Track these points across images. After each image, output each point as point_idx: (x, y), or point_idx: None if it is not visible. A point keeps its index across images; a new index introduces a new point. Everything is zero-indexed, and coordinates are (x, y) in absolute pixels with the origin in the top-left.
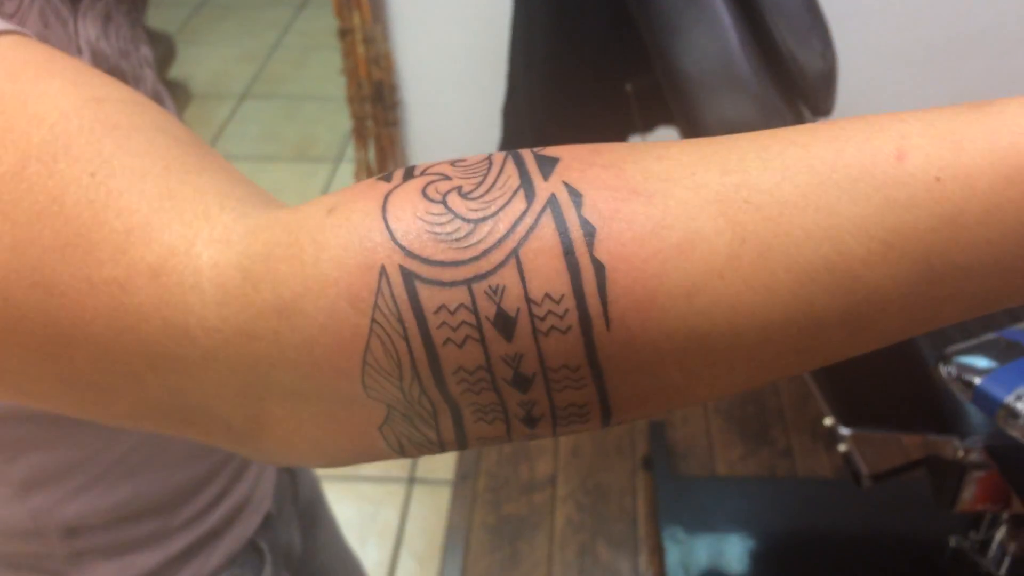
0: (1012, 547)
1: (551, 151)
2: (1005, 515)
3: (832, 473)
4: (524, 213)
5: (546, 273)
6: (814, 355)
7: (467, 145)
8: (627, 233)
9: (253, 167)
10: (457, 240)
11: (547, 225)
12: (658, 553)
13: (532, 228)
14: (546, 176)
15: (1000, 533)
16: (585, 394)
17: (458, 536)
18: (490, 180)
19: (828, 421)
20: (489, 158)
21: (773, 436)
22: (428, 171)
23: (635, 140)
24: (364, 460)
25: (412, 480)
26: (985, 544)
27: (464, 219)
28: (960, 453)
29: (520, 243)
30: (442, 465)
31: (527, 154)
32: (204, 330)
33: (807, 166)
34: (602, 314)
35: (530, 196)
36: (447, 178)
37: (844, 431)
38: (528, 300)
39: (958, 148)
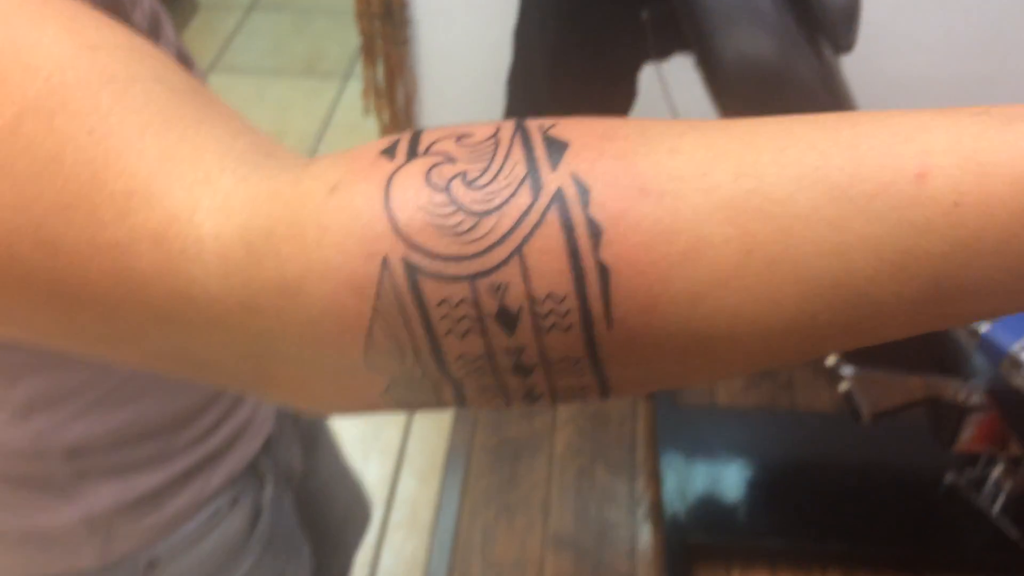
0: (1007, 485)
1: (561, 129)
2: (1002, 456)
3: (832, 408)
4: (529, 208)
5: (550, 273)
6: (813, 354)
7: (477, 67)
8: (634, 236)
9: (259, 81)
10: (460, 234)
11: (552, 223)
12: (655, 479)
13: (537, 225)
14: (554, 165)
15: (996, 472)
16: (584, 380)
17: (459, 456)
18: (496, 166)
19: (831, 360)
20: (496, 135)
21: (775, 369)
22: (433, 148)
23: (650, 67)
24: (370, 413)
25: None
26: (980, 482)
27: (468, 211)
28: (962, 396)
29: (524, 240)
30: None
31: (535, 133)
32: (208, 300)
33: (823, 176)
34: (604, 315)
35: (536, 188)
36: (452, 160)
37: (847, 370)
38: (531, 298)
39: (982, 173)
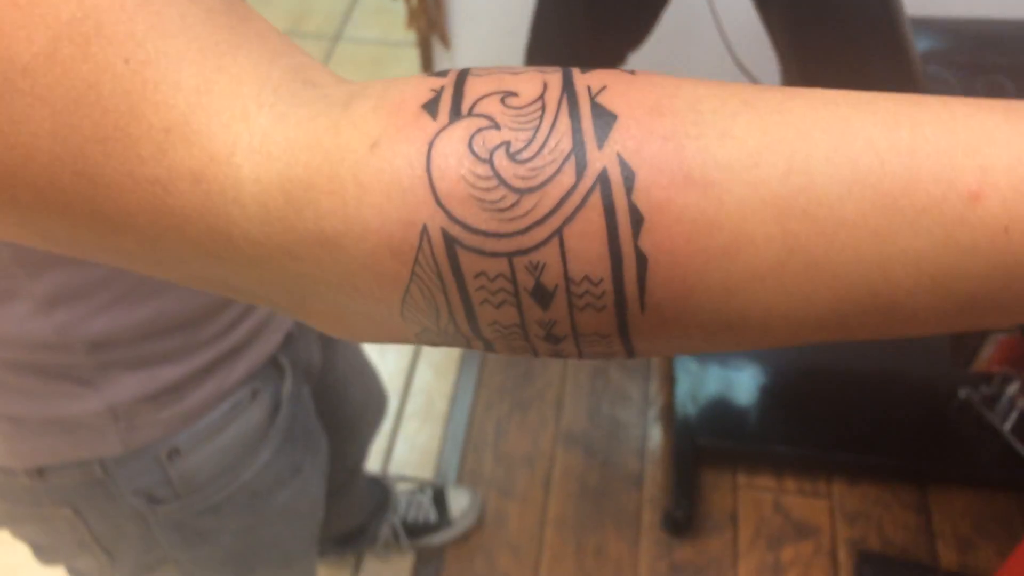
0: (1021, 403)
1: (610, 96)
2: (1018, 377)
3: None
4: (573, 189)
5: (588, 256)
6: (839, 340)
7: None
8: (675, 227)
9: None
10: (502, 211)
11: (595, 207)
12: (669, 381)
13: (579, 208)
14: (600, 142)
15: (1011, 390)
16: (613, 349)
17: (475, 351)
18: (541, 137)
19: None
20: (543, 96)
21: None
22: (477, 107)
23: None
24: (402, 344)
25: None
26: (993, 399)
27: (510, 187)
28: None
29: (565, 223)
30: None
31: (583, 99)
32: (247, 241)
33: (876, 183)
34: (638, 299)
35: (581, 167)
36: (496, 127)
37: None
38: (567, 279)
39: None
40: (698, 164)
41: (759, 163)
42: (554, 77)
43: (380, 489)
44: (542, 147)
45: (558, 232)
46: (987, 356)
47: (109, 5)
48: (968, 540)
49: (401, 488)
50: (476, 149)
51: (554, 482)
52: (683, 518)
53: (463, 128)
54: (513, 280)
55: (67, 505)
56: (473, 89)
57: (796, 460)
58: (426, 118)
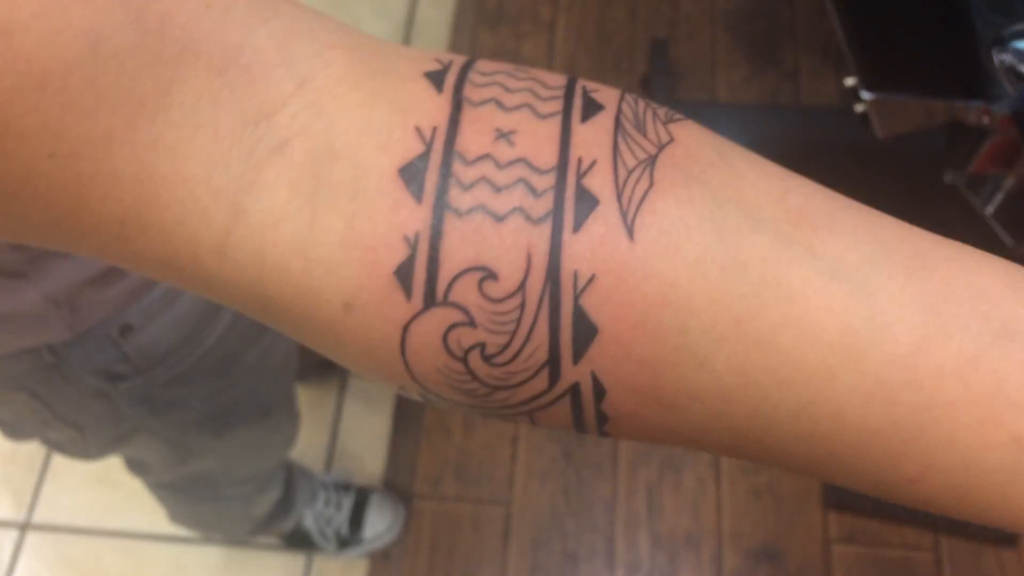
0: (1006, 184)
1: (595, 299)
2: (1008, 175)
3: (837, 99)
4: (544, 393)
5: (553, 424)
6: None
7: None
8: (638, 429)
9: None
10: (475, 396)
11: (563, 407)
12: None
13: (547, 407)
14: (577, 358)
15: (1006, 184)
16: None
17: None
18: (517, 343)
19: (850, 81)
20: (523, 286)
21: (781, 56)
22: (452, 293)
23: None
24: None
25: None
26: (979, 183)
27: (483, 383)
28: (986, 120)
29: (534, 412)
30: None
31: (567, 298)
32: (227, 295)
33: (832, 436)
34: (596, 431)
35: (554, 378)
36: (472, 324)
37: (866, 95)
38: (533, 422)
39: None
40: (670, 392)
41: (730, 403)
42: (538, 258)
43: None
44: (517, 354)
45: (528, 414)
46: (981, 156)
47: (10, 95)
48: None
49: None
50: (451, 346)
51: None
52: None
53: (438, 320)
54: (484, 409)
55: (23, 390)
56: (447, 263)
57: None
58: (399, 295)
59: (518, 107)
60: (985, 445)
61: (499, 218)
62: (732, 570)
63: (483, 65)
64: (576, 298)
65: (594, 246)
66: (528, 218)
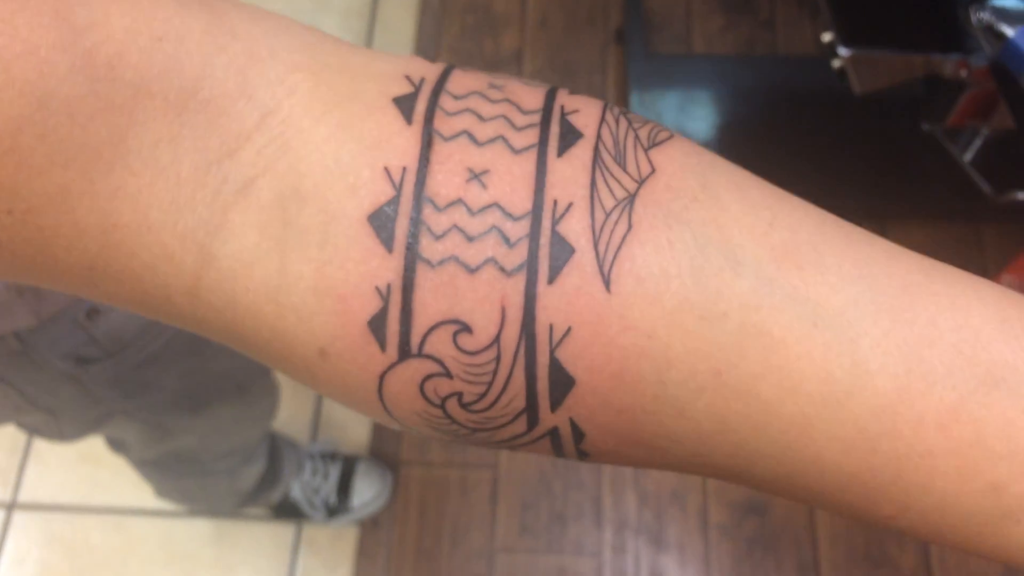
0: (984, 130)
1: (571, 352)
2: (984, 126)
3: (814, 47)
4: (523, 435)
5: (537, 453)
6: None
7: None
8: (619, 461)
9: None
10: (456, 435)
11: (543, 446)
12: None
13: (528, 444)
14: (554, 406)
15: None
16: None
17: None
18: (494, 393)
19: (827, 37)
20: (498, 342)
21: (756, 5)
22: (427, 345)
23: None
24: None
25: None
26: (956, 132)
27: (463, 425)
28: (964, 73)
29: (516, 447)
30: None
31: (543, 351)
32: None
33: (809, 486)
34: (575, 455)
35: (532, 423)
36: (448, 375)
37: (843, 51)
38: (513, 450)
39: None
40: (648, 434)
41: (708, 445)
42: (512, 312)
43: None
44: (494, 403)
45: (510, 448)
46: (958, 109)
47: None
48: None
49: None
50: (428, 394)
51: None
52: None
53: (413, 370)
54: (463, 439)
55: None
56: (421, 308)
57: None
58: (374, 345)
59: (492, 140)
60: (962, 492)
61: (472, 270)
62: (718, 525)
63: (456, 83)
64: (552, 351)
65: (569, 298)
66: (502, 269)
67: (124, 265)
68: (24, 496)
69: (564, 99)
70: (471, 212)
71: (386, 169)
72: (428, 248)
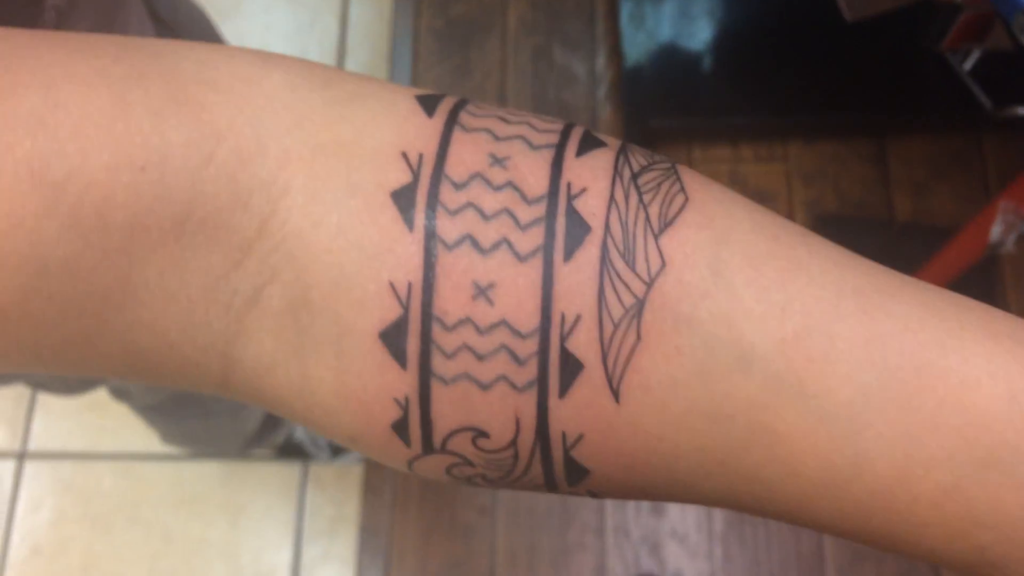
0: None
1: (586, 450)
2: (978, 47)
3: None
4: (541, 485)
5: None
6: None
7: None
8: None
9: None
10: (480, 485)
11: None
12: (616, 55)
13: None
14: (571, 485)
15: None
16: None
17: (404, 43)
18: (514, 476)
19: None
20: (515, 444)
21: None
22: (449, 444)
23: None
24: None
25: None
26: (953, 53)
27: (489, 483)
28: None
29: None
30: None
31: (557, 452)
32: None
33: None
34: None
35: (552, 489)
36: (470, 464)
37: None
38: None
39: None
40: (659, 497)
41: (716, 504)
42: (525, 423)
43: None
44: (517, 480)
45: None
46: (954, 32)
47: None
48: (923, 185)
49: None
50: (454, 474)
51: None
52: None
53: (438, 460)
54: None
55: None
56: (440, 411)
57: (751, 128)
58: (399, 443)
59: (496, 246)
60: (950, 551)
61: (484, 386)
62: None
63: (456, 161)
64: (566, 451)
65: (580, 410)
66: (513, 386)
67: (155, 372)
68: (33, 445)
69: (572, 172)
70: (480, 331)
71: (391, 284)
72: (441, 366)
